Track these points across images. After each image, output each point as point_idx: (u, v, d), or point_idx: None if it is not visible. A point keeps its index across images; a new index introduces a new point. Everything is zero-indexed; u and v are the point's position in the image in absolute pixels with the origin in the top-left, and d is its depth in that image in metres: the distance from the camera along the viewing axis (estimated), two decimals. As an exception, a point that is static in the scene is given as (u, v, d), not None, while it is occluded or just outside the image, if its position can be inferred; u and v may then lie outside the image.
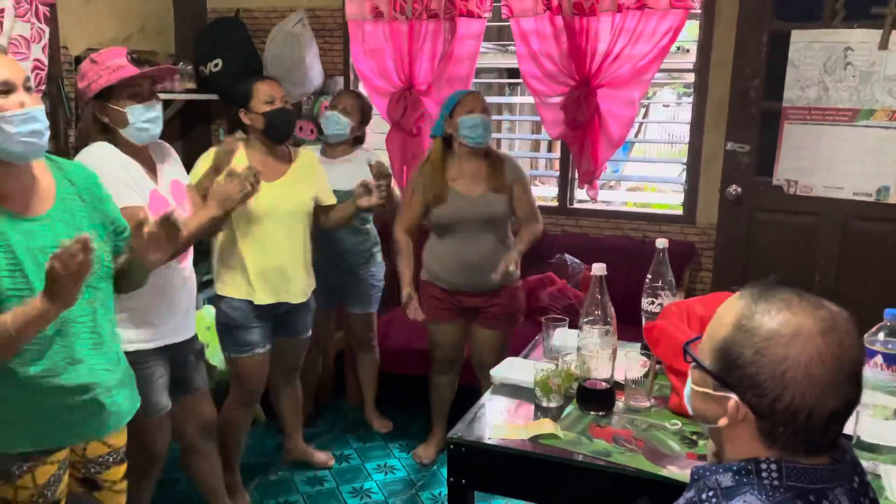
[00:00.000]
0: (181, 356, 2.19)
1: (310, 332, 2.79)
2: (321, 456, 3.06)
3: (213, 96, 3.71)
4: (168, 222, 1.62)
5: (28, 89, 1.50)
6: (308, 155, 2.68)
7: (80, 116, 1.78)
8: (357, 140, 3.18)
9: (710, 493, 0.97)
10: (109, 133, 1.98)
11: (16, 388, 1.50)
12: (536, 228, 2.81)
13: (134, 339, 2.00)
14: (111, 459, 1.74)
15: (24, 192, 1.51)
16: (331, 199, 2.68)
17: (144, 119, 1.96)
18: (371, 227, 3.19)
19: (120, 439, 1.75)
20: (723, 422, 0.98)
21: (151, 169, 2.07)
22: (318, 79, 3.72)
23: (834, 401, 0.92)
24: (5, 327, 1.39)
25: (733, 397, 0.96)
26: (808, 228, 3.21)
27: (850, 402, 0.94)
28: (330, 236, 2.96)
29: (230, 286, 2.53)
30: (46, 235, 1.51)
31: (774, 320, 0.94)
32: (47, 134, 1.52)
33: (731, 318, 0.98)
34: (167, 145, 2.19)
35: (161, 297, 2.06)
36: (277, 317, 2.62)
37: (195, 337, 2.26)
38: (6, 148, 1.46)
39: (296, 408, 2.97)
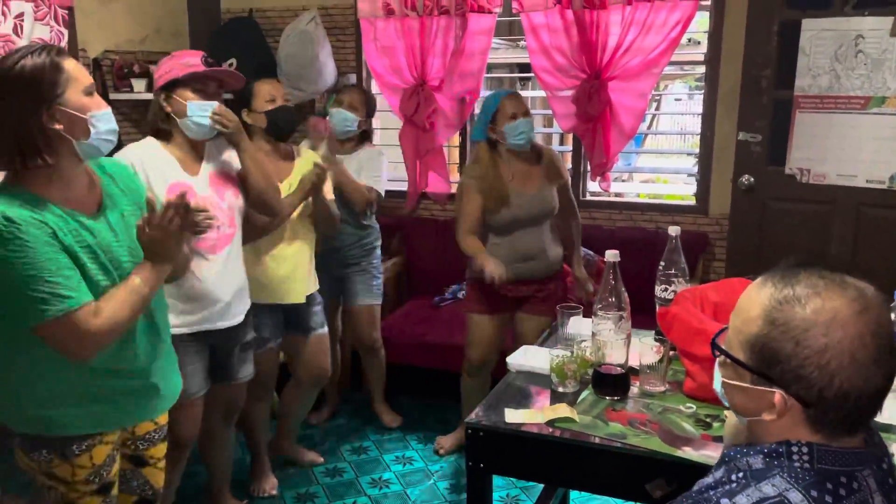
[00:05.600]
0: (224, 345, 2.27)
1: (325, 328, 2.77)
2: (309, 455, 3.05)
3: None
4: (179, 202, 1.58)
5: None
6: (309, 154, 2.72)
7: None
8: (364, 135, 3.17)
9: (741, 475, 0.95)
10: (169, 123, 2.13)
11: (75, 370, 1.54)
12: (579, 224, 2.98)
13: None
14: (157, 436, 1.80)
15: (83, 193, 1.57)
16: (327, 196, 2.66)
17: (200, 114, 2.09)
18: (374, 223, 3.17)
19: (164, 416, 1.82)
20: (769, 416, 0.95)
21: (196, 160, 2.18)
22: (332, 76, 3.76)
23: (879, 377, 0.91)
24: (139, 287, 1.52)
25: (778, 392, 0.93)
26: (822, 217, 3.21)
27: (892, 373, 0.93)
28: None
29: None
30: (105, 231, 1.56)
31: (807, 309, 0.91)
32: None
33: (759, 310, 0.94)
34: None
35: (190, 286, 2.12)
36: (284, 312, 2.63)
37: (244, 327, 2.30)
38: (92, 145, 1.52)
39: (306, 409, 2.98)
